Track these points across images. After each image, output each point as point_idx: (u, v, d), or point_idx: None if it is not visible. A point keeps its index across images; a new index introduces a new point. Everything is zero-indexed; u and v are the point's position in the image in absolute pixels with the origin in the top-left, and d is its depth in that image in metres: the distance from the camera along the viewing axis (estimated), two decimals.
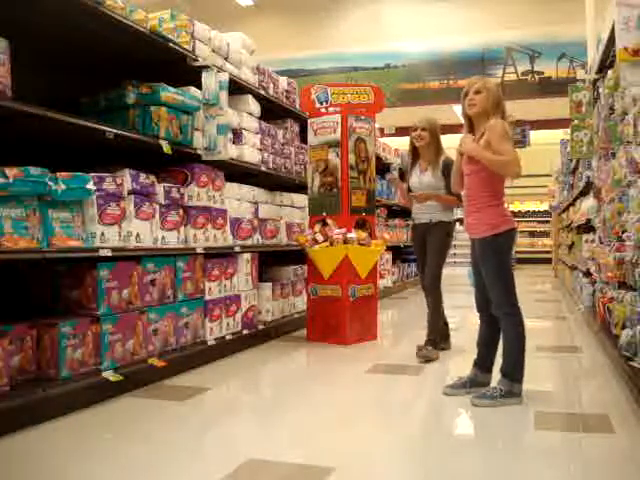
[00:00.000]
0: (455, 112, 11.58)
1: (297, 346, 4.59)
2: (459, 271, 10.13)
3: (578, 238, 7.16)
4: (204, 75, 3.85)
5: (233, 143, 4.36)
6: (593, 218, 5.39)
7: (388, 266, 8.17)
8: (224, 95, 3.93)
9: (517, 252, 15.32)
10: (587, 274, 5.88)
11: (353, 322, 4.54)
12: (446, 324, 4.28)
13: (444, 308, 4.21)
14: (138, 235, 3.30)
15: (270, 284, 4.76)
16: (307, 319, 4.81)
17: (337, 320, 4.54)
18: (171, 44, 3.63)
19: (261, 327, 4.58)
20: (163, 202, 3.53)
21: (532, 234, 17.94)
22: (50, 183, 2.69)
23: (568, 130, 6.55)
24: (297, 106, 5.49)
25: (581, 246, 6.54)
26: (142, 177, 3.37)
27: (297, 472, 2.13)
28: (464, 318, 5.74)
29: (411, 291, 8.87)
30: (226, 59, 4.38)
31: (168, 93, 3.53)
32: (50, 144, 3.24)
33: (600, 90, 4.63)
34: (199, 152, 3.89)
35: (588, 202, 6.01)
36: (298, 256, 5.08)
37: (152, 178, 3.47)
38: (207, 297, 3.91)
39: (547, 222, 16.56)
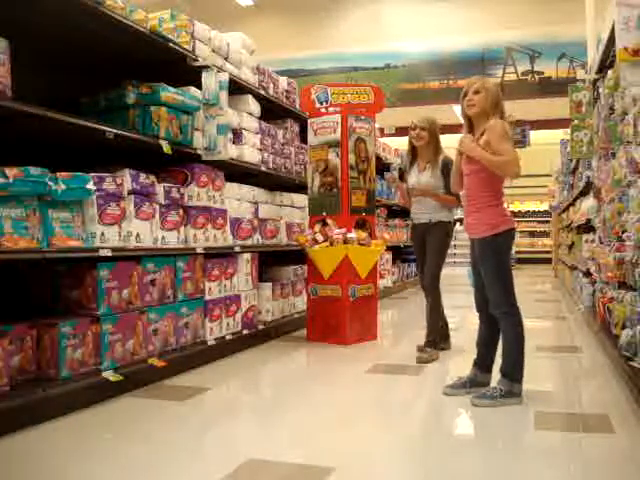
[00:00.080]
0: (455, 112, 11.57)
1: (297, 346, 4.59)
2: (459, 271, 10.13)
3: (578, 238, 7.16)
4: (204, 75, 3.85)
5: (233, 143, 4.36)
6: (593, 218, 5.39)
7: (388, 266, 8.17)
8: (224, 95, 3.93)
9: (517, 252, 15.32)
10: (587, 274, 5.88)
11: (353, 322, 4.54)
12: (446, 324, 4.28)
13: (444, 308, 4.21)
14: (138, 235, 3.30)
15: (270, 284, 4.76)
16: (307, 319, 4.81)
17: (337, 320, 4.54)
18: (171, 44, 3.63)
19: (261, 327, 4.58)
20: (163, 202, 3.53)
21: (532, 234, 17.94)
22: (50, 183, 2.69)
23: (568, 130, 6.55)
24: (297, 106, 5.49)
25: (581, 246, 6.54)
26: (142, 177, 3.37)
27: (297, 472, 2.13)
28: (464, 318, 5.74)
29: (411, 291, 8.87)
30: (226, 59, 4.38)
31: (168, 93, 3.53)
32: (50, 144, 3.24)
33: (600, 90, 4.63)
34: (199, 152, 3.89)
35: (588, 202, 6.01)
36: (298, 256, 5.07)
37: (152, 178, 3.47)
38: (207, 297, 3.91)
39: (547, 222, 16.57)
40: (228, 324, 4.12)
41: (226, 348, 4.08)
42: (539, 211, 18.20)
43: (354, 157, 4.66)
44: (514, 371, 2.94)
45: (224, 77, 3.95)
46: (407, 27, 13.13)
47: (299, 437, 2.57)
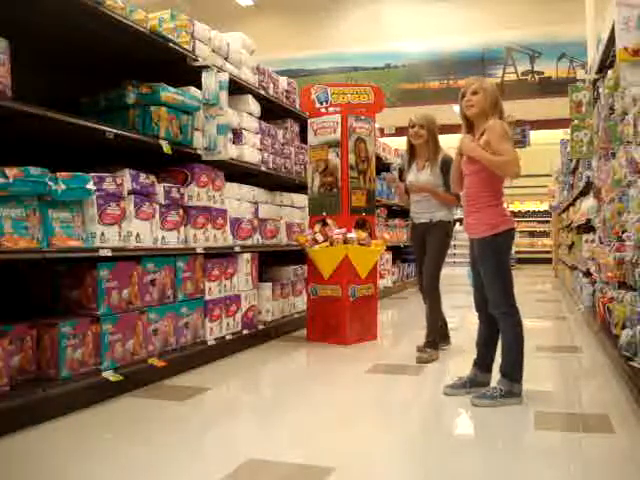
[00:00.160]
0: (455, 112, 11.56)
1: (297, 346, 4.59)
2: (459, 271, 10.13)
3: (578, 238, 7.16)
4: (204, 75, 3.85)
5: (233, 143, 4.36)
6: (593, 218, 5.39)
7: (388, 266, 8.17)
8: (224, 95, 3.93)
9: (517, 252, 15.32)
10: (587, 274, 5.88)
11: (353, 322, 4.54)
12: (445, 323, 4.27)
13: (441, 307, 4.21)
14: (138, 235, 3.30)
15: (270, 284, 4.76)
16: (307, 319, 4.81)
17: (337, 320, 4.54)
18: (171, 44, 3.63)
19: (261, 327, 4.58)
20: (163, 202, 3.53)
21: (532, 234, 17.94)
22: (50, 183, 2.69)
23: (568, 130, 6.55)
24: (297, 106, 5.49)
25: (581, 246, 6.54)
26: (142, 177, 3.37)
27: (297, 472, 2.13)
28: (463, 318, 5.75)
29: (411, 291, 8.87)
30: (226, 59, 4.38)
31: (168, 93, 3.53)
32: (50, 144, 3.24)
33: (600, 90, 4.63)
34: (199, 152, 3.89)
35: (588, 202, 6.01)
36: (298, 256, 5.07)
37: (152, 178, 3.47)
38: (207, 297, 3.91)
39: (547, 222, 16.57)
40: (228, 324, 4.12)
41: (226, 348, 4.08)
42: (539, 211, 18.20)
43: (354, 157, 4.66)
44: (514, 371, 2.94)
45: (224, 77, 3.95)
46: (407, 27, 13.14)
47: (299, 437, 2.57)
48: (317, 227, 4.71)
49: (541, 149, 12.09)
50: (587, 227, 6.17)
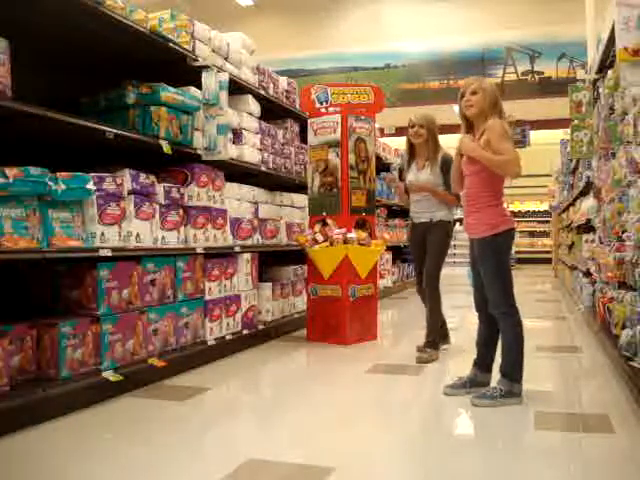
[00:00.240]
0: (455, 112, 11.57)
1: (297, 346, 4.59)
2: (459, 271, 10.13)
3: (578, 238, 7.16)
4: (204, 75, 3.85)
5: (233, 143, 4.36)
6: (593, 218, 5.39)
7: (388, 266, 8.17)
8: (224, 95, 3.93)
9: (517, 252, 15.32)
10: (587, 274, 5.88)
11: (353, 322, 4.54)
12: (444, 323, 4.25)
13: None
14: (138, 235, 3.30)
15: (270, 284, 4.76)
16: (307, 319, 4.81)
17: (337, 320, 4.54)
18: (171, 44, 3.63)
19: (261, 327, 4.58)
20: (163, 202, 3.53)
21: (532, 234, 17.94)
22: (50, 183, 2.69)
23: (568, 130, 6.55)
24: (297, 106, 5.49)
25: (581, 246, 6.54)
26: (142, 177, 3.37)
27: (297, 472, 2.13)
28: (463, 318, 5.75)
29: (411, 291, 8.85)
30: (226, 59, 4.38)
31: (168, 93, 3.53)
32: (50, 144, 3.24)
33: (600, 90, 4.63)
34: (199, 152, 3.89)
35: (588, 202, 6.01)
36: (298, 256, 5.07)
37: (152, 178, 3.47)
38: (207, 297, 3.90)
39: (547, 222, 16.56)
40: (228, 324, 4.12)
41: (226, 348, 4.08)
42: (539, 211, 18.19)
43: (354, 157, 4.65)
44: (514, 371, 2.94)
45: (224, 77, 3.95)
46: (407, 27, 13.14)
47: (299, 437, 2.57)
48: (317, 227, 4.71)
49: (541, 149, 12.09)
50: (587, 227, 6.17)
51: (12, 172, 2.51)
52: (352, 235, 4.52)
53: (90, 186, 2.92)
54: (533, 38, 12.54)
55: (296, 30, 13.78)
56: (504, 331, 3.00)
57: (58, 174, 2.76)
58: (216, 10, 12.51)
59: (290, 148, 5.32)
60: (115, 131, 3.15)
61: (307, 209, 5.08)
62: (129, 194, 3.26)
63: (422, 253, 4.10)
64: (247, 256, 4.40)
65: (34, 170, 2.61)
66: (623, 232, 3.69)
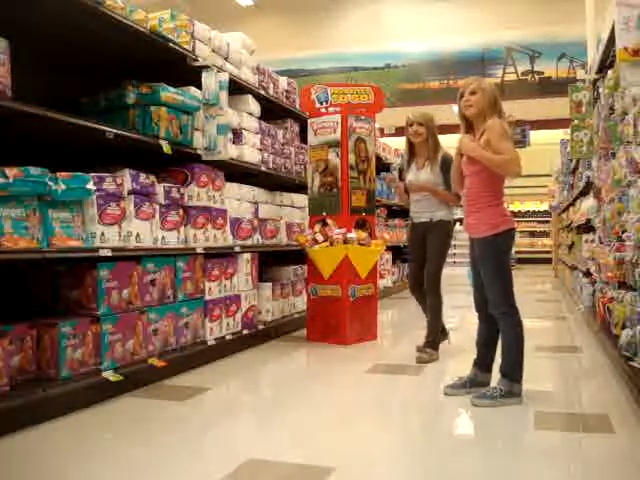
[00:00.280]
0: (455, 112, 11.57)
1: (297, 346, 4.59)
2: (459, 271, 10.13)
3: (578, 238, 7.16)
4: (204, 75, 3.85)
5: (233, 143, 4.36)
6: (593, 218, 5.39)
7: (388, 266, 8.17)
8: (224, 95, 3.93)
9: (517, 252, 15.32)
10: (587, 274, 5.88)
11: (353, 322, 4.54)
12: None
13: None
14: (138, 235, 3.30)
15: (270, 284, 4.76)
16: (307, 319, 4.81)
17: (337, 320, 4.54)
18: (171, 44, 3.63)
19: (261, 327, 4.58)
20: (163, 202, 3.53)
21: (532, 234, 17.94)
22: (50, 183, 2.69)
23: (568, 130, 6.56)
24: (297, 106, 5.49)
25: (581, 246, 6.54)
26: (142, 177, 3.37)
27: (297, 472, 2.13)
28: (463, 318, 5.75)
29: None
30: (226, 59, 4.38)
31: (168, 93, 3.53)
32: (50, 144, 3.24)
33: (600, 90, 4.63)
34: (199, 152, 3.89)
35: (588, 202, 6.01)
36: (298, 256, 5.07)
37: (152, 178, 3.47)
38: (207, 297, 3.90)
39: (547, 222, 16.56)
40: (228, 324, 4.12)
41: (226, 348, 4.08)
42: (539, 211, 18.20)
43: (354, 157, 4.65)
44: (514, 371, 2.94)
45: (224, 77, 3.95)
46: (407, 27, 13.14)
47: (299, 437, 2.57)
48: (317, 227, 4.71)
49: (541, 149, 12.09)
50: (587, 227, 6.17)
51: (12, 172, 2.51)
52: (352, 235, 4.52)
53: (90, 186, 2.92)
54: (533, 38, 12.54)
55: (296, 30, 13.78)
56: (504, 331, 3.00)
57: (58, 174, 2.76)
58: (216, 10, 12.52)
59: (290, 148, 5.32)
60: (115, 131, 3.15)
61: (307, 209, 5.08)
62: (129, 194, 3.26)
63: (422, 253, 4.09)
64: (247, 256, 4.40)
65: (34, 170, 2.61)
66: (623, 232, 3.69)
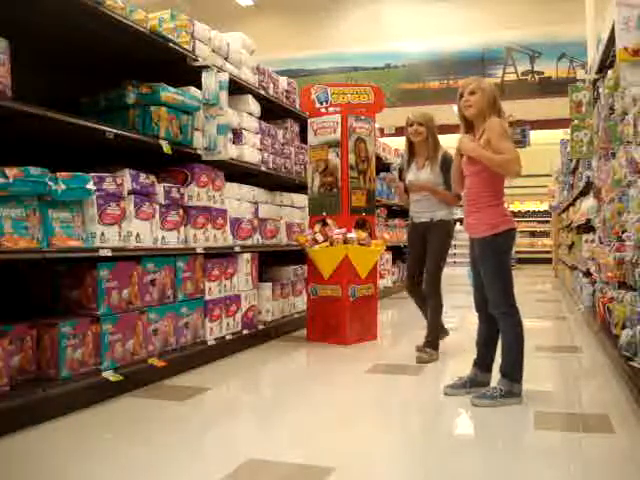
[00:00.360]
0: (455, 112, 11.57)
1: (297, 346, 4.59)
2: (459, 271, 10.13)
3: (578, 238, 7.16)
4: (204, 75, 3.85)
5: (233, 143, 4.36)
6: (593, 218, 5.39)
7: (388, 266, 8.18)
8: (224, 95, 3.93)
9: (517, 252, 15.32)
10: (587, 274, 5.88)
11: (353, 322, 4.54)
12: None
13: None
14: (138, 235, 3.30)
15: (270, 284, 4.76)
16: (307, 319, 4.81)
17: (337, 320, 4.54)
18: (171, 44, 3.63)
19: (261, 327, 4.58)
20: (163, 202, 3.53)
21: (532, 234, 17.94)
22: (50, 183, 2.69)
23: (568, 130, 6.56)
24: (297, 106, 5.49)
25: (581, 246, 6.54)
26: (142, 177, 3.37)
27: (297, 472, 2.13)
28: (463, 318, 5.74)
29: None
30: (226, 59, 4.38)
31: (168, 93, 3.53)
32: (50, 144, 3.24)
33: (600, 90, 4.63)
34: (199, 152, 3.89)
35: (588, 202, 6.01)
36: (298, 256, 5.07)
37: (152, 178, 3.47)
38: (207, 297, 3.90)
39: (547, 222, 16.56)
40: (228, 324, 4.12)
41: (226, 348, 4.08)
42: (539, 211, 18.19)
43: (354, 157, 4.65)
44: (514, 371, 2.94)
45: (224, 77, 3.95)
46: (407, 27, 13.15)
47: (299, 437, 2.57)
48: (317, 227, 4.71)
49: (541, 149, 12.09)
50: (587, 227, 6.17)
51: (12, 172, 2.51)
52: (352, 235, 4.52)
53: (90, 186, 2.92)
54: (533, 38, 12.55)
55: (296, 30, 13.79)
56: (504, 331, 3.00)
57: (58, 174, 2.76)
58: (216, 10, 12.52)
59: (290, 148, 5.32)
60: (115, 131, 3.15)
61: (307, 209, 5.08)
62: (129, 194, 3.26)
63: (421, 253, 4.07)
64: (247, 256, 4.40)
65: (34, 170, 2.61)
66: (623, 232, 3.69)
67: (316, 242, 4.60)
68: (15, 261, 2.87)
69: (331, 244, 4.53)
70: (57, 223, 2.78)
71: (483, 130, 2.93)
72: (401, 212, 8.83)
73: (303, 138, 5.36)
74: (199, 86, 3.86)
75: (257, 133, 4.72)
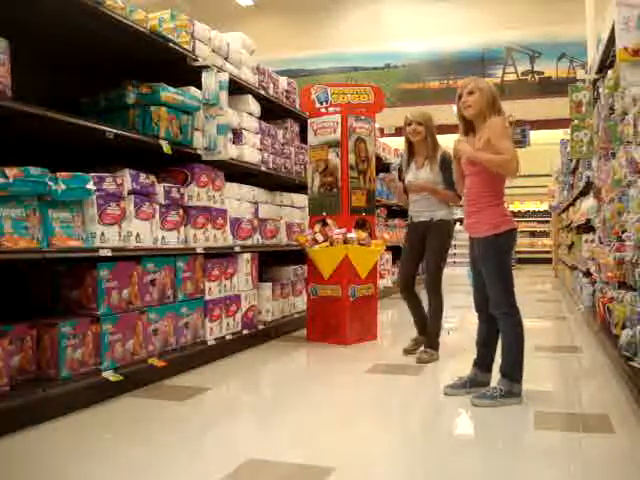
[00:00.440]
0: (455, 112, 11.57)
1: (297, 346, 4.59)
2: (459, 271, 10.13)
3: (578, 238, 7.16)
4: (204, 75, 3.85)
5: (233, 143, 4.36)
6: (593, 218, 5.39)
7: (388, 266, 8.18)
8: (224, 95, 3.93)
9: (517, 252, 15.32)
10: (587, 274, 5.88)
11: (353, 322, 4.54)
12: (425, 321, 4.16)
13: (423, 304, 4.15)
14: (138, 235, 3.30)
15: (270, 284, 4.76)
16: (307, 319, 4.81)
17: (337, 320, 4.54)
18: (171, 44, 3.63)
19: (261, 327, 4.58)
20: (163, 202, 3.53)
21: (532, 234, 17.94)
22: (50, 183, 2.69)
23: (568, 130, 6.56)
24: (297, 106, 5.49)
25: (581, 246, 6.54)
26: (142, 177, 3.37)
27: (297, 472, 2.13)
28: (463, 318, 5.74)
29: None
30: (226, 59, 4.38)
31: (168, 93, 3.53)
32: (50, 144, 3.24)
33: (600, 90, 4.63)
34: (199, 152, 3.89)
35: (588, 202, 6.01)
36: (298, 256, 5.07)
37: (152, 178, 3.47)
38: (207, 297, 3.90)
39: (547, 222, 16.56)
40: (228, 324, 4.12)
41: (226, 348, 4.08)
42: (539, 211, 18.20)
43: (354, 157, 4.65)
44: (514, 371, 2.94)
45: (224, 77, 3.95)
46: (407, 27, 13.15)
47: (299, 437, 2.57)
48: (317, 227, 4.71)
49: (541, 149, 12.10)
50: (587, 227, 6.17)
51: (12, 172, 2.51)
52: (352, 235, 4.52)
53: (90, 186, 2.92)
54: (533, 38, 12.55)
55: (296, 30, 13.79)
56: (505, 331, 3.00)
57: (58, 174, 2.76)
58: (216, 10, 12.52)
59: (290, 148, 5.32)
60: (115, 131, 3.15)
61: (307, 209, 5.08)
62: (129, 194, 3.26)
63: (419, 253, 4.06)
64: (247, 256, 4.40)
65: (34, 170, 2.61)
66: (623, 232, 3.69)
67: (316, 242, 4.60)
68: (15, 261, 2.87)
69: (331, 244, 4.53)
70: (57, 223, 2.78)
71: (484, 130, 2.93)
72: (401, 212, 8.82)
73: (303, 138, 5.36)
74: (199, 86, 3.86)
75: (257, 133, 4.72)
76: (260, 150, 4.74)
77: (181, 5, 10.65)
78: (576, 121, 5.77)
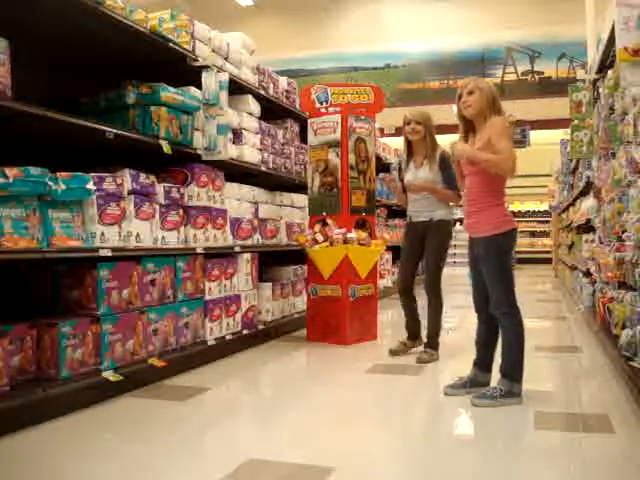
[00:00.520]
0: (455, 112, 11.57)
1: (297, 346, 4.59)
2: (459, 271, 10.13)
3: (578, 238, 7.16)
4: (204, 75, 3.85)
5: (233, 143, 4.36)
6: (593, 218, 5.39)
7: (388, 266, 8.18)
8: (224, 95, 3.93)
9: (517, 252, 15.32)
10: (587, 274, 5.88)
11: (353, 322, 4.54)
12: (418, 322, 4.15)
13: (418, 307, 4.14)
14: (138, 235, 3.30)
15: (270, 284, 4.76)
16: (307, 319, 4.81)
17: (337, 320, 4.54)
18: (171, 44, 3.63)
19: (261, 327, 4.58)
20: (163, 202, 3.53)
21: (532, 234, 17.94)
22: (50, 183, 2.69)
23: (568, 130, 6.56)
24: (297, 106, 5.49)
25: (581, 246, 6.54)
26: (142, 177, 3.37)
27: (297, 472, 2.13)
28: (463, 318, 5.74)
29: None
30: (226, 59, 4.38)
31: (168, 93, 3.53)
32: (50, 144, 3.24)
33: (600, 90, 4.63)
34: (199, 152, 3.89)
35: (588, 202, 6.01)
36: (298, 256, 5.07)
37: (152, 178, 3.47)
38: (207, 297, 3.90)
39: (547, 222, 16.57)
40: (228, 324, 4.12)
41: (226, 348, 4.08)
42: (539, 211, 18.20)
43: (354, 157, 4.65)
44: (514, 371, 2.94)
45: (224, 77, 3.95)
46: (407, 27, 13.15)
47: (299, 437, 2.57)
48: (317, 227, 4.71)
49: (541, 149, 12.10)
50: (587, 227, 6.17)
51: (12, 172, 2.51)
52: (352, 235, 4.52)
53: (90, 186, 2.92)
54: (533, 38, 12.55)
55: (296, 30, 13.79)
56: (505, 331, 2.99)
57: (58, 174, 2.76)
58: (216, 10, 12.52)
59: (290, 148, 5.32)
60: (115, 131, 3.15)
61: (307, 209, 5.08)
62: (129, 194, 3.26)
63: (419, 253, 4.05)
64: (247, 256, 4.40)
65: (34, 170, 2.61)
66: (623, 232, 3.69)
67: (316, 242, 4.60)
68: (15, 261, 2.87)
69: (331, 244, 4.53)
70: (57, 223, 2.78)
71: (484, 130, 2.93)
72: (401, 212, 8.79)
73: (303, 138, 5.36)
74: (199, 86, 3.86)
75: (257, 133, 4.72)
76: (260, 150, 4.74)
77: (181, 5, 10.65)
78: (576, 121, 5.77)
